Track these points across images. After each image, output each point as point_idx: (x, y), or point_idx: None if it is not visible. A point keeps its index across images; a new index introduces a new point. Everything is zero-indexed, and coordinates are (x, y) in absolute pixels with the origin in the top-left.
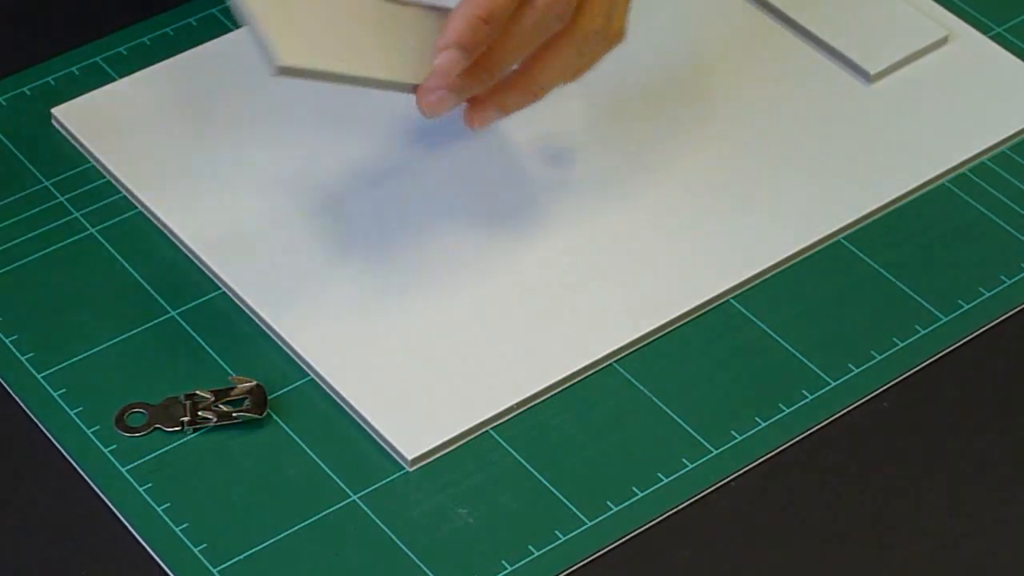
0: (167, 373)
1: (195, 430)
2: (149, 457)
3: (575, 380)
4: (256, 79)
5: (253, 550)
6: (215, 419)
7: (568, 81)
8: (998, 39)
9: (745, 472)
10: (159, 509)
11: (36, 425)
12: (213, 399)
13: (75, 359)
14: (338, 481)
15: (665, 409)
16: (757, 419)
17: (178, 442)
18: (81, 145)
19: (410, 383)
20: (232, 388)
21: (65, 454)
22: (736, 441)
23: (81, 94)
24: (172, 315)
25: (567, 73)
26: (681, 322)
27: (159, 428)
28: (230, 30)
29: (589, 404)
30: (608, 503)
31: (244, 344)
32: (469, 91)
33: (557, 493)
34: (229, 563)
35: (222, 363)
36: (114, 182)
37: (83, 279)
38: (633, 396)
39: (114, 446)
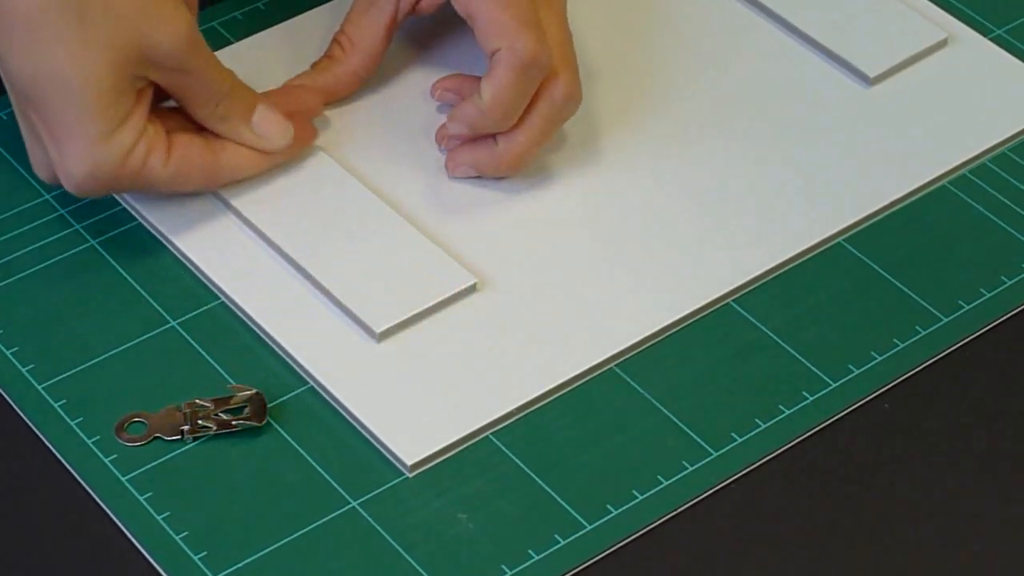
0: (167, 382)
1: (195, 439)
2: (149, 466)
3: (575, 384)
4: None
5: (253, 557)
6: (215, 428)
7: (539, 147)
8: (998, 41)
9: (746, 474)
10: (159, 518)
11: (37, 436)
12: (213, 408)
13: (75, 370)
14: (338, 488)
15: (665, 412)
16: (757, 421)
17: (178, 451)
18: None
19: (409, 389)
20: (232, 396)
21: (66, 464)
22: (736, 443)
23: None
24: (172, 325)
25: (543, 139)
26: (681, 325)
27: (159, 437)
28: (229, 43)
29: (589, 408)
30: (608, 506)
31: (243, 353)
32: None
33: (557, 497)
34: (229, 570)
35: (222, 372)
36: (114, 194)
37: (84, 290)
38: (633, 399)
39: (114, 456)
